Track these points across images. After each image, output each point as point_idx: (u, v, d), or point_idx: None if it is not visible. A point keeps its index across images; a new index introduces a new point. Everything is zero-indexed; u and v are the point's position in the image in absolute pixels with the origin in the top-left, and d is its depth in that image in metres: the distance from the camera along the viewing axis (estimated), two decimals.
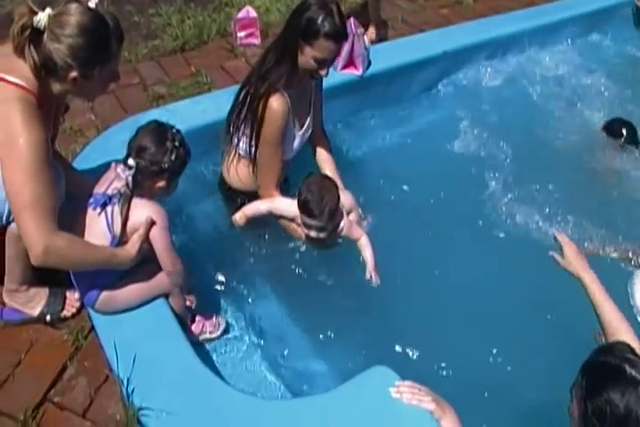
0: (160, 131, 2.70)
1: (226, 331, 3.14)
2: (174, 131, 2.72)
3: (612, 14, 6.14)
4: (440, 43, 5.05)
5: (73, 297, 2.99)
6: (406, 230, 3.66)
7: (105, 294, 2.71)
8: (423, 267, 3.51)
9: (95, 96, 2.67)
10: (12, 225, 2.58)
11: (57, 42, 2.27)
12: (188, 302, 3.01)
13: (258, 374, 3.00)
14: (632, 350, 1.87)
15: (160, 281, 2.81)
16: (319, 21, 2.91)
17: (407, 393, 2.39)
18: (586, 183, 4.24)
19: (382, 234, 3.48)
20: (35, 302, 2.93)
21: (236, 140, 3.30)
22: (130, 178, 2.58)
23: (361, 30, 4.41)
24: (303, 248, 3.40)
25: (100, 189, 2.69)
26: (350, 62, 4.38)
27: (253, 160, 3.30)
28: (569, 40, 5.78)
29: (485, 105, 4.99)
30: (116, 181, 2.65)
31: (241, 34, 5.10)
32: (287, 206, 3.27)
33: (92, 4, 2.36)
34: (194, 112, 3.89)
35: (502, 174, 4.20)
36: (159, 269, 2.78)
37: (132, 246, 2.62)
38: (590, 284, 2.47)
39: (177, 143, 2.68)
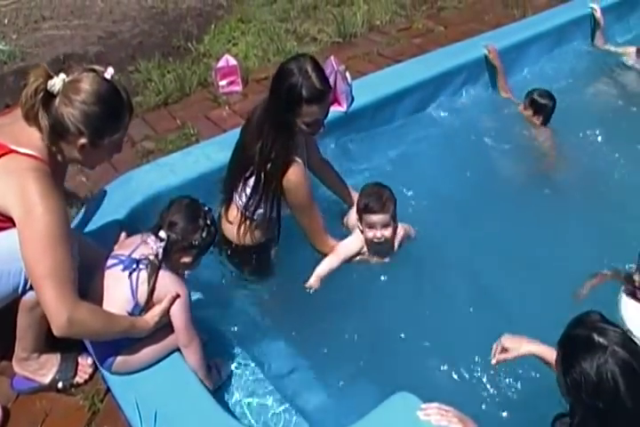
0: (193, 207, 2.77)
1: (241, 376, 3.10)
2: (206, 209, 2.80)
3: (574, 29, 6.26)
4: (417, 71, 5.13)
5: (85, 362, 2.95)
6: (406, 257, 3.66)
7: (121, 356, 2.68)
8: (431, 295, 3.52)
9: (97, 164, 2.67)
10: (27, 295, 2.55)
11: (71, 107, 2.29)
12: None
13: (278, 416, 2.93)
14: (602, 318, 2.00)
15: (173, 340, 2.78)
16: (298, 89, 2.93)
17: (435, 415, 2.35)
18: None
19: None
20: (46, 370, 2.88)
21: (251, 209, 3.29)
22: (160, 250, 2.62)
23: (342, 67, 4.47)
24: (311, 290, 3.40)
25: (124, 251, 2.71)
26: (334, 99, 4.41)
27: (271, 222, 3.37)
28: (537, 56, 5.87)
29: (466, 127, 5.09)
30: (142, 247, 2.69)
31: (222, 82, 5.15)
32: (349, 247, 3.50)
33: (107, 75, 2.41)
34: (185, 164, 3.90)
35: (487, 197, 4.27)
36: (171, 325, 2.75)
37: (152, 319, 2.63)
38: (542, 352, 2.48)
39: (209, 221, 2.76)
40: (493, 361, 2.59)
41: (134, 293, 2.61)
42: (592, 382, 1.86)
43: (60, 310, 2.28)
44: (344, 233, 3.66)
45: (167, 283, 2.67)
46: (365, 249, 3.49)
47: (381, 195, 3.34)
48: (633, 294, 3.15)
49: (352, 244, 3.50)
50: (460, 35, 6.04)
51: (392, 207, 3.36)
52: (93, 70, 2.40)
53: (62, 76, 2.31)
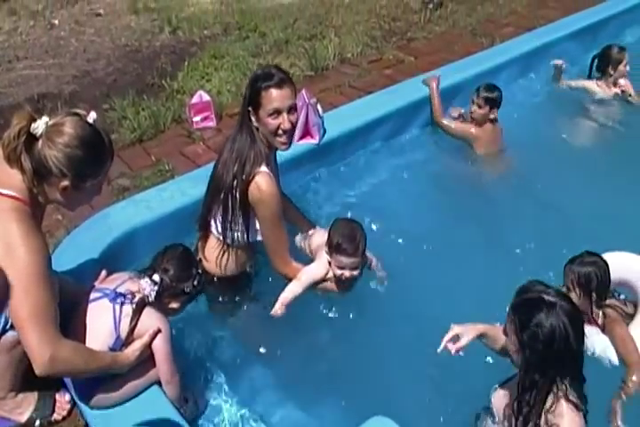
0: (187, 256, 2.94)
1: (219, 406, 3.14)
2: (198, 259, 2.99)
3: (542, 56, 6.43)
4: (388, 102, 5.27)
5: (63, 399, 2.95)
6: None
7: (101, 391, 2.71)
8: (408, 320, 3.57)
9: (77, 207, 2.70)
10: (8, 334, 2.57)
11: (54, 149, 2.33)
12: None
13: None
14: (542, 283, 2.38)
15: (153, 372, 2.82)
16: (260, 80, 3.06)
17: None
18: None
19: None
20: (23, 408, 2.88)
21: (228, 234, 3.33)
22: (154, 293, 2.72)
23: (314, 100, 4.54)
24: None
25: (108, 285, 2.79)
26: (306, 132, 4.48)
27: (248, 245, 3.41)
28: (506, 82, 5.95)
29: (435, 157, 5.29)
30: (128, 282, 2.78)
31: (197, 118, 5.19)
32: (315, 273, 3.46)
33: (90, 120, 2.46)
34: (161, 200, 3.96)
35: (451, 227, 4.37)
36: (152, 358, 2.78)
37: (133, 353, 2.67)
38: (488, 329, 2.81)
39: (200, 271, 2.95)
40: (440, 349, 2.79)
41: (117, 325, 2.66)
42: (547, 332, 2.22)
43: (42, 350, 2.30)
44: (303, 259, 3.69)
45: (149, 318, 2.73)
46: (331, 275, 3.45)
47: (355, 236, 3.30)
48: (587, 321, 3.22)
49: (316, 270, 3.45)
50: (430, 65, 6.16)
51: (364, 248, 3.35)
52: (76, 114, 2.45)
53: (45, 119, 2.35)
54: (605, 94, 5.96)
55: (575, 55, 6.48)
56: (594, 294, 3.18)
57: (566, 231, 4.03)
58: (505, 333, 2.43)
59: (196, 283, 2.87)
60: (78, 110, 2.51)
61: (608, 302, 3.30)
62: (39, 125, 2.33)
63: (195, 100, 5.18)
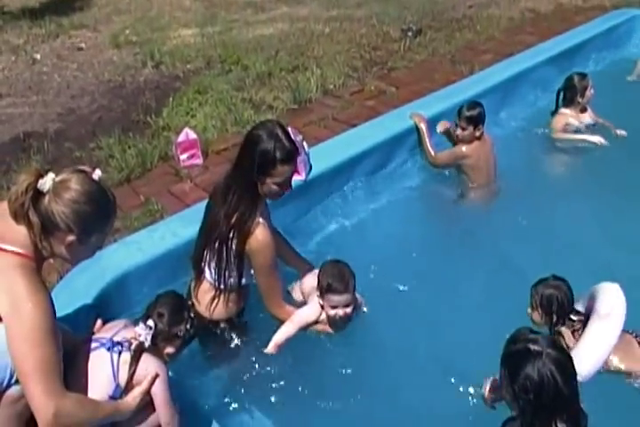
0: (179, 301, 3.01)
1: None
2: (190, 303, 3.12)
3: (520, 82, 6.59)
4: (372, 134, 5.35)
5: None
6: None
7: None
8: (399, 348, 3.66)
9: (80, 261, 2.76)
10: (12, 389, 2.55)
11: (62, 205, 2.38)
12: None
13: None
14: (530, 330, 2.46)
15: (154, 418, 2.84)
16: (272, 152, 3.10)
17: None
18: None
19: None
20: None
21: (222, 280, 3.37)
22: (149, 337, 2.75)
23: (300, 137, 4.60)
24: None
25: (105, 334, 2.82)
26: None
27: (242, 289, 3.47)
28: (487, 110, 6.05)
29: (424, 187, 5.37)
30: (123, 331, 2.82)
31: (183, 156, 5.22)
32: (307, 316, 3.54)
33: (95, 177, 2.51)
34: (152, 241, 3.99)
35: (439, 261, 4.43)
36: (150, 404, 2.80)
37: (133, 400, 2.69)
38: None
39: (192, 314, 2.98)
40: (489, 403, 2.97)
41: (115, 374, 2.68)
42: (536, 383, 2.29)
43: (47, 405, 2.32)
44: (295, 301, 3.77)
45: (147, 364, 2.76)
46: (323, 317, 3.52)
47: (344, 275, 3.39)
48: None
49: (309, 313, 3.54)
50: (412, 94, 6.25)
51: (354, 285, 3.42)
52: (82, 171, 2.50)
53: (52, 175, 2.40)
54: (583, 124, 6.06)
55: (553, 80, 6.57)
56: (554, 316, 3.35)
57: (560, 262, 4.03)
58: (500, 381, 2.49)
59: (188, 326, 2.90)
60: (83, 167, 2.57)
61: (564, 329, 3.36)
62: (46, 181, 2.38)
63: (181, 138, 5.21)
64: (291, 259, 3.96)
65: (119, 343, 2.75)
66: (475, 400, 3.18)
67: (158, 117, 6.20)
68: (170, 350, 2.88)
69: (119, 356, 2.73)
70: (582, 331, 3.28)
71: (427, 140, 5.37)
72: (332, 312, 3.42)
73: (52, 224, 2.41)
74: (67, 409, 2.38)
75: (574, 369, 2.37)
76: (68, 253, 2.53)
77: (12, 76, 7.76)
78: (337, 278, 3.37)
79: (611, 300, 3.30)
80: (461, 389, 3.33)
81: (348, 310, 3.42)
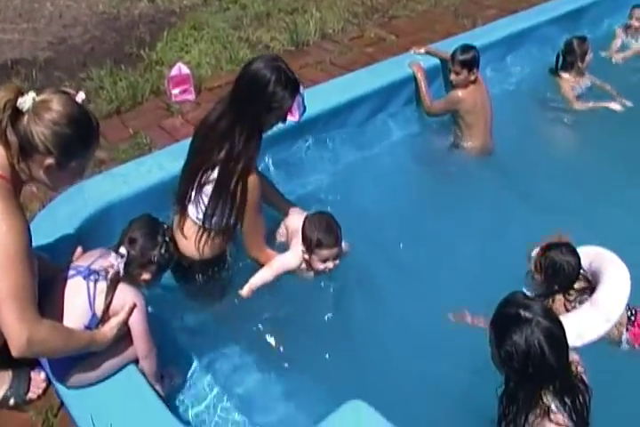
0: (152, 225, 2.87)
1: (195, 383, 3.16)
2: (165, 226, 2.90)
3: (523, 39, 6.42)
4: (370, 80, 5.23)
5: (39, 377, 2.92)
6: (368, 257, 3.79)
7: (76, 370, 2.69)
8: (385, 294, 3.67)
9: (60, 187, 2.67)
10: None
11: (42, 125, 2.28)
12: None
13: (232, 423, 2.99)
14: (525, 296, 2.39)
15: (131, 351, 2.80)
16: (283, 89, 3.06)
17: None
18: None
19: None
20: None
21: (208, 219, 3.28)
22: (122, 265, 2.66)
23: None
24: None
25: (82, 262, 2.74)
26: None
27: (228, 230, 3.35)
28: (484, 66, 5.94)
29: (413, 138, 5.32)
30: (101, 260, 2.72)
31: (175, 91, 5.13)
32: (287, 262, 3.45)
33: (79, 99, 2.41)
34: (138, 174, 3.90)
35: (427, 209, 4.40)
36: (128, 336, 2.76)
37: (110, 331, 2.64)
38: None
39: (167, 238, 2.85)
40: None
41: (92, 303, 2.62)
42: (522, 351, 2.19)
43: (20, 332, 2.27)
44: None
45: (124, 294, 2.70)
46: (304, 266, 3.45)
47: (332, 228, 3.31)
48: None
49: (289, 261, 3.45)
50: (411, 44, 6.08)
51: (341, 236, 3.34)
52: (64, 92, 2.40)
53: (32, 94, 2.29)
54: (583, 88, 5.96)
55: (556, 40, 6.44)
56: (555, 286, 3.26)
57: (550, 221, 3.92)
58: (489, 343, 2.38)
59: (163, 251, 2.80)
60: (67, 89, 2.46)
61: (559, 297, 3.31)
62: (26, 100, 2.27)
63: (174, 72, 5.12)
64: (276, 201, 3.88)
65: (96, 272, 2.68)
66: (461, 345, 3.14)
67: (152, 51, 6.08)
68: (145, 276, 2.80)
69: (95, 284, 2.66)
70: (581, 301, 3.25)
71: (424, 89, 5.27)
72: (321, 266, 3.35)
73: (30, 146, 2.31)
74: (40, 336, 2.33)
75: (565, 341, 2.26)
76: (47, 177, 2.44)
77: (1, 2, 7.53)
78: (326, 233, 3.28)
79: (619, 279, 3.23)
80: (449, 336, 3.31)
81: (337, 261, 3.37)
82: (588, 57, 5.83)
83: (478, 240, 4.09)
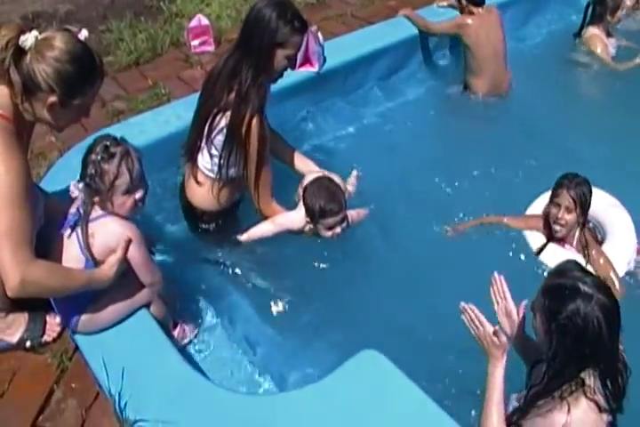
0: (94, 142, 2.56)
1: (208, 332, 3.16)
2: (107, 143, 2.51)
3: None
4: (391, 33, 5.16)
5: (54, 321, 2.92)
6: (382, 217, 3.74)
7: (86, 315, 2.69)
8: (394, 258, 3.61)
9: (65, 127, 2.58)
10: None
11: (44, 63, 2.24)
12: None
13: (245, 371, 3.01)
14: (581, 268, 2.20)
15: (140, 294, 2.80)
16: (288, 22, 2.98)
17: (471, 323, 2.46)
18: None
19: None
20: (13, 329, 2.85)
21: (224, 168, 3.22)
22: (82, 194, 2.54)
23: (314, 28, 4.41)
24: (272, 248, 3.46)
25: (72, 208, 2.67)
26: (306, 60, 4.38)
27: (239, 180, 3.32)
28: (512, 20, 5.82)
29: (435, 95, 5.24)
30: (77, 199, 2.63)
31: (195, 42, 5.09)
32: (291, 221, 3.37)
33: (81, 37, 2.37)
34: (156, 124, 3.89)
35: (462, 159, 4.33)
36: (136, 280, 2.75)
37: (110, 268, 2.59)
38: (497, 378, 2.38)
39: (101, 156, 2.48)
40: None
41: (82, 248, 2.57)
42: (579, 328, 2.03)
43: (13, 271, 2.27)
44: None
45: (113, 228, 2.59)
46: (308, 230, 3.37)
47: (335, 194, 3.24)
48: (550, 238, 3.53)
49: (294, 221, 3.36)
50: None
51: (344, 200, 3.27)
52: (67, 30, 2.36)
53: (35, 32, 2.25)
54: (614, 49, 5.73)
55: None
56: (587, 212, 3.40)
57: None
58: (532, 310, 2.26)
59: (93, 171, 2.47)
60: (69, 26, 2.42)
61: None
62: (28, 38, 2.22)
63: (193, 23, 5.08)
64: (290, 158, 3.77)
65: (78, 213, 2.60)
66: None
67: (172, 4, 6.01)
68: (119, 201, 2.56)
69: (80, 229, 2.57)
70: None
71: (416, 18, 5.24)
72: (328, 233, 3.30)
73: (33, 84, 2.28)
74: (34, 276, 2.33)
75: (620, 321, 2.09)
76: (51, 116, 2.40)
77: None
78: (328, 201, 3.20)
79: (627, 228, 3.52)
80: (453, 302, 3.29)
81: (344, 224, 3.31)
82: (620, 12, 5.59)
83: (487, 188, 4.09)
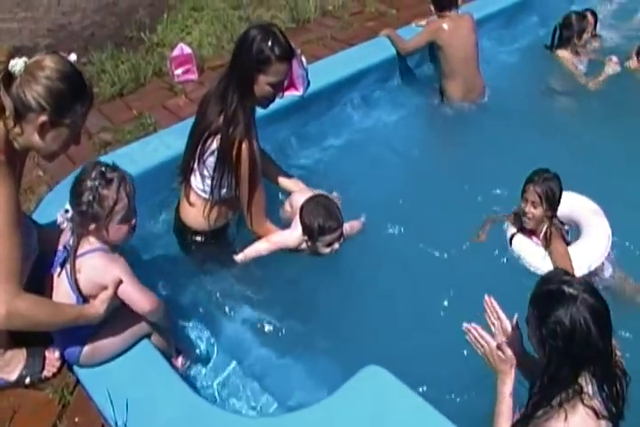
0: (85, 169, 2.54)
1: (207, 357, 3.16)
2: (102, 169, 2.51)
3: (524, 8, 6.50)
4: (371, 53, 5.25)
5: (53, 356, 2.88)
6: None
7: (87, 348, 2.67)
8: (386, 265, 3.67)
9: (55, 154, 2.54)
10: None
11: (34, 82, 2.26)
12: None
13: (249, 394, 2.99)
14: (566, 273, 2.23)
15: (140, 325, 2.78)
16: (269, 48, 2.98)
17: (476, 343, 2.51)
18: None
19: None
20: (12, 366, 2.80)
21: (216, 189, 3.26)
22: (68, 224, 2.52)
23: (298, 51, 4.45)
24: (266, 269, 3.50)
25: (58, 246, 2.66)
26: (290, 84, 4.40)
27: (232, 200, 3.35)
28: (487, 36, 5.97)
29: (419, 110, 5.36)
30: (64, 233, 2.62)
31: (178, 71, 5.10)
32: (286, 239, 3.39)
33: (70, 59, 2.39)
34: (144, 153, 3.89)
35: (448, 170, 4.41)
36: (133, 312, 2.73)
37: (101, 304, 2.56)
38: (506, 393, 2.42)
39: (99, 182, 2.47)
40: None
41: (72, 285, 2.55)
42: (567, 329, 2.04)
43: None
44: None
45: (98, 264, 2.56)
46: (304, 247, 3.39)
47: (331, 210, 3.26)
48: (520, 230, 3.71)
49: (288, 239, 3.39)
50: (412, 17, 6.05)
51: (341, 216, 3.29)
52: (55, 53, 2.39)
53: (24, 58, 2.28)
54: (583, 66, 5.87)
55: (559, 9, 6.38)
56: (556, 207, 3.53)
57: None
58: (527, 323, 2.27)
59: (91, 197, 2.44)
60: (58, 51, 2.44)
61: (555, 220, 3.62)
62: (18, 63, 2.25)
63: (176, 52, 5.09)
64: (279, 179, 3.85)
65: (66, 250, 2.59)
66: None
67: (152, 34, 6.02)
68: (104, 230, 2.54)
69: (70, 265, 2.56)
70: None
71: (397, 39, 5.33)
72: (327, 250, 3.32)
73: (23, 106, 2.28)
74: (20, 309, 2.31)
75: (610, 320, 2.11)
76: (41, 139, 2.39)
77: None
78: (326, 218, 3.22)
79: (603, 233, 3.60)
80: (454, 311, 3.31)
81: (341, 240, 3.33)
82: (586, 35, 5.74)
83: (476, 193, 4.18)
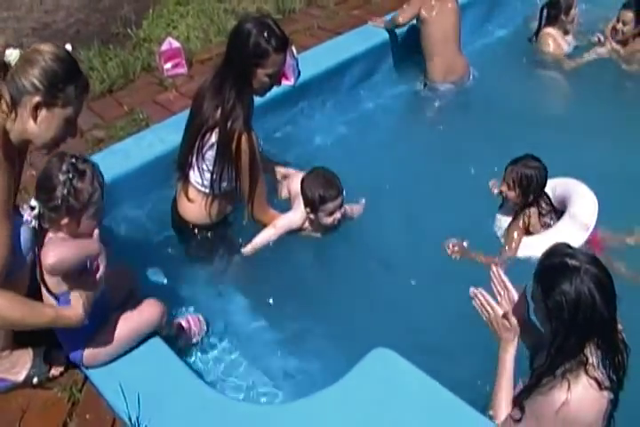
0: (52, 162, 2.42)
1: (212, 348, 3.17)
2: (72, 161, 2.40)
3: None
4: (359, 42, 5.26)
5: (59, 355, 2.87)
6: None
7: (88, 350, 2.66)
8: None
9: (52, 143, 2.49)
10: None
11: (28, 65, 2.27)
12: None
13: (259, 383, 3.00)
14: (568, 246, 2.22)
15: (146, 323, 2.78)
16: (265, 41, 3.00)
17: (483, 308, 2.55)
18: None
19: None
20: (19, 367, 2.77)
21: (216, 183, 3.27)
22: (35, 221, 2.42)
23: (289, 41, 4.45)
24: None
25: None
26: (282, 74, 4.39)
27: (232, 193, 3.37)
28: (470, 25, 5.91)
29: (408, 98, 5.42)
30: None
31: (167, 65, 5.07)
32: (291, 221, 3.51)
33: (67, 48, 2.42)
34: (139, 149, 3.89)
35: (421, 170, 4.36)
36: (139, 307, 2.75)
37: (77, 304, 2.49)
38: (507, 362, 2.48)
39: (72, 174, 2.37)
40: None
41: (42, 284, 2.51)
42: (572, 300, 2.06)
43: None
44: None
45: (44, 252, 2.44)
46: (307, 225, 3.51)
47: (331, 180, 3.37)
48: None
49: (293, 220, 3.51)
50: (398, 3, 5.98)
51: (341, 184, 3.39)
52: (52, 42, 2.41)
53: (19, 49, 2.30)
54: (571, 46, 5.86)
55: None
56: (530, 195, 3.54)
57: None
58: (532, 298, 2.29)
59: (65, 191, 2.35)
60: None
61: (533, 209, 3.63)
62: (13, 53, 2.27)
63: (164, 47, 5.06)
64: (273, 169, 3.92)
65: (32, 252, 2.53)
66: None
67: (139, 30, 6.01)
68: (74, 223, 2.44)
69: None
70: (551, 221, 3.62)
71: (387, 23, 5.41)
72: (329, 220, 3.40)
73: (18, 91, 2.29)
74: None
75: (614, 289, 2.12)
76: (37, 125, 2.36)
77: None
78: (326, 186, 3.34)
79: (588, 210, 3.57)
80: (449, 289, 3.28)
81: (342, 209, 3.42)
82: (574, 11, 5.69)
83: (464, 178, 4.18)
